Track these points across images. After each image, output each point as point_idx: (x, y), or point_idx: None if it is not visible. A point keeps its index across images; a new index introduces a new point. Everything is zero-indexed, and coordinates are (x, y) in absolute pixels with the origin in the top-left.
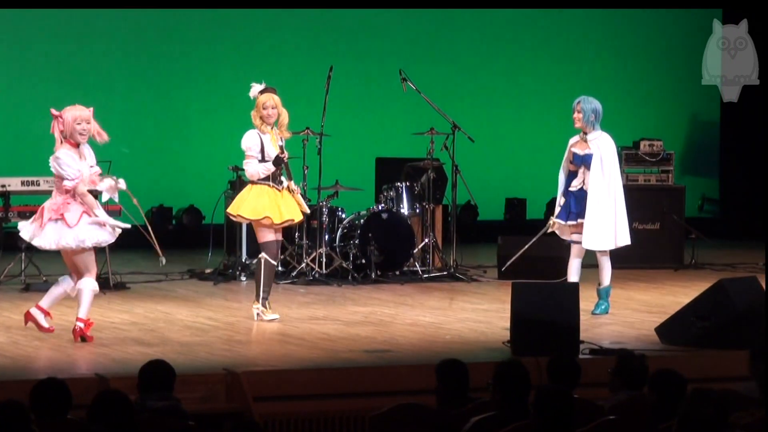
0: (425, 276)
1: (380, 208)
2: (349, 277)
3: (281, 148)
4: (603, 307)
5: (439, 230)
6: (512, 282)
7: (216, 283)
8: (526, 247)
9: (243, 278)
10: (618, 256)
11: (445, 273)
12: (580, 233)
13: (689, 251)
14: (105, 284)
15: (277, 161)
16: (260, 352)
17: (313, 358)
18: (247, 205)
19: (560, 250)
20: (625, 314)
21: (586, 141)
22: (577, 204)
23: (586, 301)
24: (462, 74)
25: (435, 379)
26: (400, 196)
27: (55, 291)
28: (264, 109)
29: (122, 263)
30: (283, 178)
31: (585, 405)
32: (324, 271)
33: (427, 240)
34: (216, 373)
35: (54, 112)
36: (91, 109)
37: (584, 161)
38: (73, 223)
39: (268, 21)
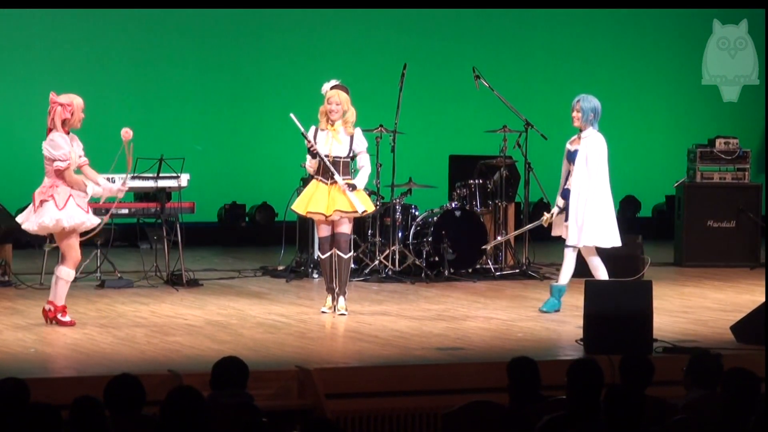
0: (498, 274)
1: (453, 205)
2: (422, 275)
3: (304, 136)
4: (553, 303)
5: (512, 228)
6: (585, 280)
7: (288, 280)
8: (514, 233)
9: (315, 275)
10: (693, 255)
11: (517, 271)
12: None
13: (765, 249)
14: (178, 281)
15: (312, 153)
16: (332, 349)
17: (385, 355)
18: (300, 200)
19: (633, 248)
20: (700, 312)
21: (580, 138)
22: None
23: (658, 299)
24: (534, 72)
25: (507, 376)
26: (473, 194)
27: (53, 283)
28: (328, 104)
29: (195, 260)
30: (336, 177)
31: (658, 403)
32: (397, 268)
33: (499, 238)
34: (288, 370)
35: (55, 98)
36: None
37: (571, 158)
38: (61, 205)
39: (341, 19)
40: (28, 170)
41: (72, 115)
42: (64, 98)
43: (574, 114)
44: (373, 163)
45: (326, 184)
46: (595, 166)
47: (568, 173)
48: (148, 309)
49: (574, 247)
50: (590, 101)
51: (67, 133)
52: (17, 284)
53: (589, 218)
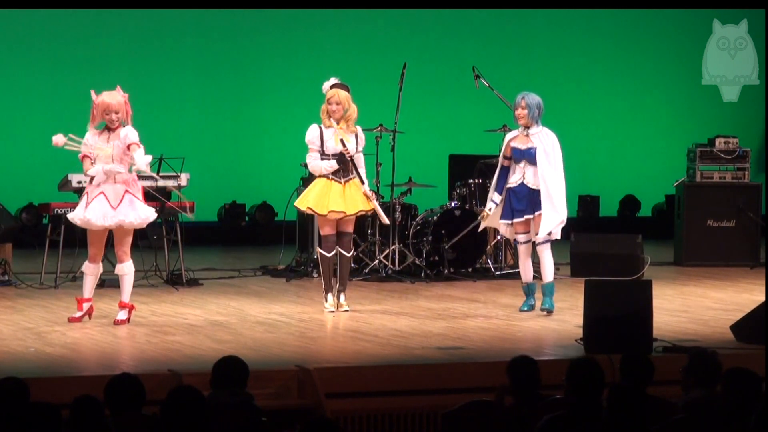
0: (497, 273)
1: (453, 205)
2: (422, 274)
3: (342, 142)
4: (550, 302)
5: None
6: (585, 279)
7: (288, 280)
8: (458, 237)
9: (315, 274)
10: (693, 254)
11: (517, 270)
12: (526, 231)
13: (765, 249)
14: (178, 280)
15: (340, 158)
16: (332, 349)
17: (385, 354)
18: (314, 198)
19: (633, 247)
20: (700, 312)
21: (527, 135)
22: (518, 201)
23: (658, 298)
24: (534, 71)
25: (506, 376)
26: (472, 193)
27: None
28: (329, 104)
29: (195, 260)
30: (356, 179)
31: (658, 403)
32: (397, 267)
33: (499, 237)
34: (288, 370)
35: (94, 96)
36: (126, 95)
37: (525, 156)
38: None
39: (341, 18)
40: (29, 170)
41: (95, 110)
42: (101, 95)
43: (519, 111)
44: (373, 163)
45: (340, 183)
46: (557, 161)
47: (508, 170)
48: (148, 308)
49: (549, 241)
50: (534, 98)
51: (109, 129)
52: (17, 284)
53: (563, 210)
